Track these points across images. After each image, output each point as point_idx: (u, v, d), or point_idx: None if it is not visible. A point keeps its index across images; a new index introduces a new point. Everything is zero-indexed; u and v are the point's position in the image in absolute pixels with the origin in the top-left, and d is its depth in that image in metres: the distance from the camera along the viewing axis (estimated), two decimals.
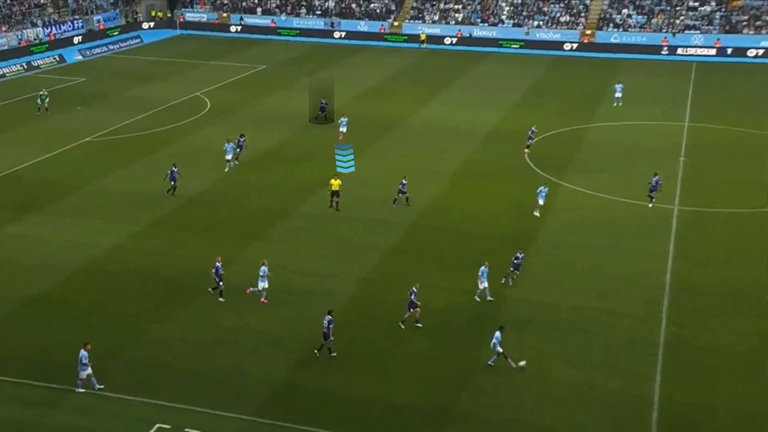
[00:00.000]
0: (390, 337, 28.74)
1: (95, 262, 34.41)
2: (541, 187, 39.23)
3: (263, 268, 30.71)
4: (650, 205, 40.17)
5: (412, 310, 29.22)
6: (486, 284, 31.06)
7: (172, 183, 41.37)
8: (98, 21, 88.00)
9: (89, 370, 25.07)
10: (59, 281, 32.71)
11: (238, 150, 46.33)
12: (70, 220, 38.87)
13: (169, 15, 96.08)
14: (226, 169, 44.81)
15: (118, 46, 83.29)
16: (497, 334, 26.68)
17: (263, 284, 30.70)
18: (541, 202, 38.83)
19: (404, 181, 40.21)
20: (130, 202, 41.01)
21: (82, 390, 25.28)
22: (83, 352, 25.06)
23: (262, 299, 30.84)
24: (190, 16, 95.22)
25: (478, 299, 31.22)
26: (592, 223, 38.49)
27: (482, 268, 31.21)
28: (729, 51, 78.33)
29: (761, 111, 58.79)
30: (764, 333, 29.06)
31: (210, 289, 31.28)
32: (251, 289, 30.86)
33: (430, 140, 51.79)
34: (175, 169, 41.53)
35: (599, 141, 51.79)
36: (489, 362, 26.89)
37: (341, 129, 50.40)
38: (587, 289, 32.17)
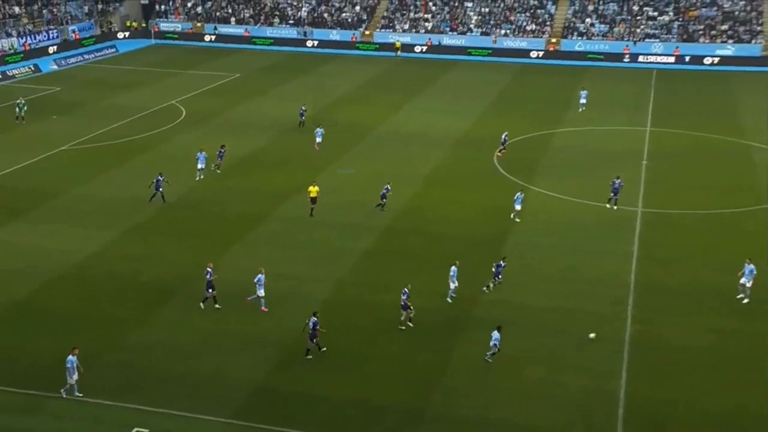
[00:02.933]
0: (366, 339, 28.74)
1: (73, 269, 34.01)
2: (518, 193, 39.43)
3: (260, 276, 30.35)
4: (609, 206, 40.63)
5: (406, 311, 29.32)
6: (456, 284, 31.20)
7: (157, 191, 40.81)
8: (73, 31, 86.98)
9: (76, 376, 24.71)
10: (38, 287, 32.29)
11: (219, 160, 45.87)
12: (48, 227, 38.39)
13: (143, 25, 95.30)
14: (197, 178, 44.18)
15: (93, 55, 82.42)
16: (496, 334, 26.72)
17: (261, 292, 30.35)
18: (518, 207, 38.96)
19: (388, 187, 40.34)
20: (108, 208, 40.60)
21: (65, 396, 24.94)
22: (71, 357, 24.72)
23: (263, 308, 30.47)
24: (165, 26, 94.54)
25: (449, 300, 31.33)
26: (560, 226, 38.81)
27: (453, 268, 31.38)
28: (687, 59, 79.51)
29: (719, 116, 59.70)
30: (724, 330, 29.50)
31: (201, 303, 30.68)
32: (250, 298, 30.53)
33: (402, 146, 51.91)
34: (161, 178, 41.08)
35: (565, 146, 52.26)
36: (486, 358, 27.04)
37: (317, 139, 49.98)
38: (557, 290, 32.42)
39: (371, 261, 35.12)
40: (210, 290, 30.52)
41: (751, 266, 31.38)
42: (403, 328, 29.33)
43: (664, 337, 29.00)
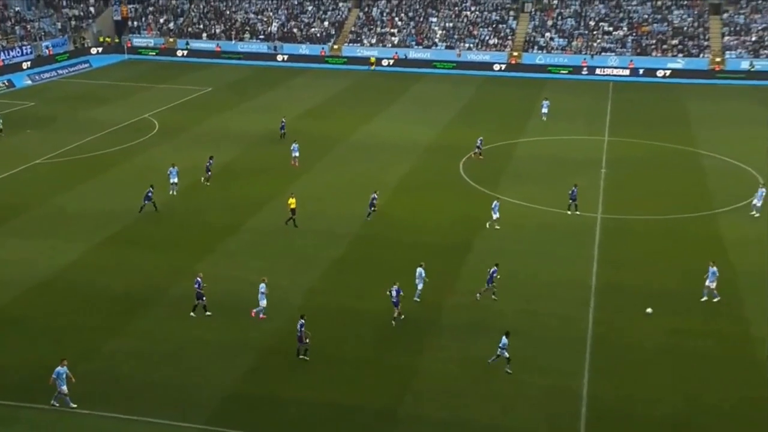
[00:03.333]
0: (336, 343, 28.58)
1: (48, 280, 33.42)
2: (495, 202, 39.55)
3: (262, 285, 30.10)
4: (569, 213, 41.04)
5: (397, 308, 29.75)
6: (422, 286, 31.42)
7: (145, 203, 40.56)
8: (47, 47, 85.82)
9: (65, 388, 24.24)
10: (12, 299, 31.66)
11: (208, 173, 45.51)
12: (22, 239, 37.69)
13: (117, 40, 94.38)
14: (171, 193, 43.29)
15: (67, 70, 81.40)
16: (504, 339, 26.54)
17: (263, 302, 30.05)
18: (495, 215, 39.06)
19: (375, 195, 40.32)
20: (82, 221, 40.00)
21: (56, 404, 24.44)
22: (60, 369, 24.22)
23: (261, 315, 30.20)
24: (138, 41, 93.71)
25: (417, 300, 31.42)
26: (524, 232, 39.03)
27: (419, 269, 31.52)
28: (641, 71, 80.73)
29: (671, 126, 60.60)
30: (681, 330, 29.84)
31: (192, 313, 30.34)
32: (255, 310, 30.22)
33: (371, 156, 51.92)
34: (152, 190, 40.96)
35: (528, 155, 52.65)
36: (489, 361, 26.99)
37: (294, 154, 49.24)
38: (521, 294, 32.56)
39: (342, 268, 34.99)
40: (200, 299, 30.26)
41: (714, 269, 31.84)
42: (394, 323, 29.77)
43: (624, 337, 29.26)
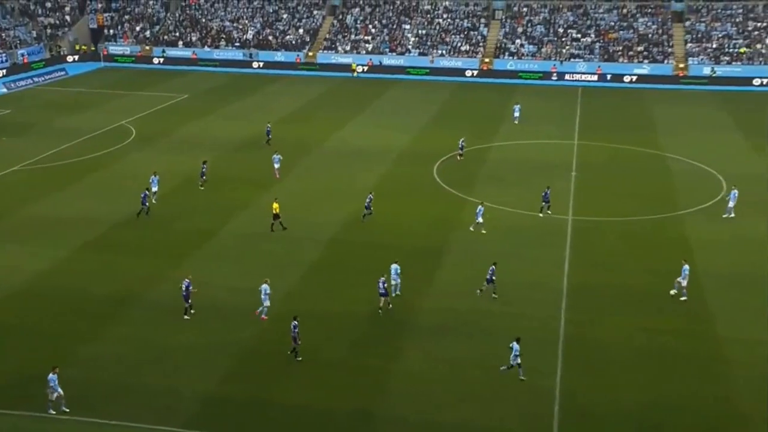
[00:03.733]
0: (313, 346, 28.40)
1: (24, 285, 32.91)
2: (479, 206, 39.54)
3: (264, 286, 30.08)
4: (541, 215, 41.32)
5: (383, 298, 30.49)
6: (399, 281, 31.77)
7: (143, 207, 40.58)
8: (22, 55, 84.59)
9: (59, 392, 23.87)
10: None
11: (203, 178, 45.48)
12: None
13: (93, 48, 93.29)
14: (154, 201, 42.56)
15: (43, 78, 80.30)
16: (516, 345, 26.24)
17: (266, 303, 30.04)
18: (479, 219, 38.98)
19: (370, 196, 40.58)
20: (60, 227, 39.43)
21: (53, 412, 24.05)
22: (51, 375, 23.85)
23: (263, 316, 30.21)
24: (114, 49, 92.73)
25: (399, 293, 31.73)
26: (497, 234, 39.12)
27: (393, 266, 31.81)
28: (608, 77, 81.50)
29: (638, 130, 61.23)
30: (650, 329, 30.08)
31: (186, 317, 30.18)
32: (258, 310, 30.24)
33: (346, 161, 51.80)
34: (147, 194, 41.03)
35: (501, 158, 52.86)
36: (501, 368, 26.62)
37: (275, 165, 47.73)
38: (496, 295, 32.63)
39: (318, 272, 34.84)
40: (186, 301, 30.17)
41: (686, 266, 32.34)
42: (381, 312, 30.61)
43: (595, 337, 29.44)
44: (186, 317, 30.16)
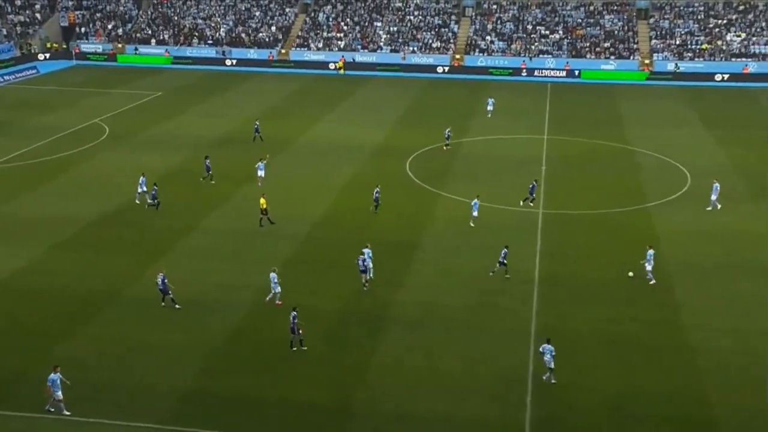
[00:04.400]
0: (288, 342, 28.31)
1: (1, 285, 32.30)
2: (474, 200, 39.58)
3: (273, 274, 30.69)
4: (524, 204, 42.00)
5: (364, 274, 31.91)
6: (371, 265, 32.45)
7: (155, 201, 40.66)
8: None
9: (60, 394, 23.48)
10: None
11: (207, 172, 45.42)
12: None
13: (64, 46, 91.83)
14: (137, 201, 41.94)
15: (14, 76, 78.86)
16: (550, 347, 25.73)
17: (277, 289, 30.68)
18: (474, 214, 39.03)
19: (378, 190, 41.06)
20: (33, 226, 38.82)
21: (52, 409, 23.73)
22: (53, 375, 23.49)
23: (277, 301, 30.74)
24: (86, 47, 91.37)
25: (372, 277, 32.31)
26: (470, 229, 39.28)
27: (366, 250, 32.51)
28: (577, 73, 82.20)
29: (606, 125, 61.85)
30: (618, 318, 30.44)
31: (173, 306, 30.30)
32: (269, 297, 30.86)
33: (320, 157, 51.65)
34: (156, 188, 41.10)
35: (472, 153, 53.07)
36: (545, 378, 25.95)
37: (259, 173, 45.10)
38: (469, 288, 32.77)
39: (294, 267, 34.71)
40: (166, 294, 30.20)
41: (651, 251, 33.17)
42: (366, 289, 31.94)
43: (566, 326, 29.70)
44: (177, 306, 30.27)
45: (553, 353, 25.74)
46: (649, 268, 32.89)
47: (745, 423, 24.18)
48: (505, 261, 33.02)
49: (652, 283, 32.80)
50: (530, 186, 42.48)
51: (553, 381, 25.83)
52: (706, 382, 26.20)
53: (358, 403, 24.89)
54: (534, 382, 26.04)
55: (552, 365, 25.76)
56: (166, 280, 30.30)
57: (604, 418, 24.43)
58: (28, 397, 24.55)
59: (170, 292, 30.34)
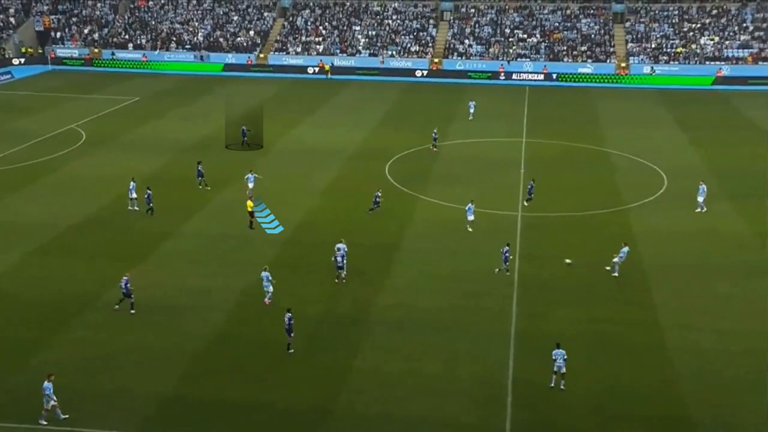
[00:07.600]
0: (269, 345, 28.15)
1: None
2: (469, 205, 39.54)
3: (265, 273, 30.62)
4: (526, 203, 42.85)
5: (341, 270, 32.61)
6: (345, 260, 32.74)
7: (150, 205, 40.18)
8: None
9: (54, 402, 23.07)
10: None
11: (200, 178, 44.87)
12: None
13: (40, 51, 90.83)
14: (129, 207, 41.38)
15: None
16: (562, 352, 25.57)
17: (270, 288, 30.74)
18: (470, 218, 38.96)
19: (378, 193, 41.21)
20: (10, 232, 38.29)
21: (45, 423, 23.24)
22: (47, 384, 23.07)
23: (266, 300, 30.89)
24: (62, 52, 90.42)
25: (336, 281, 32.77)
26: (449, 231, 39.33)
27: (339, 245, 33.02)
28: (554, 76, 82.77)
29: (583, 127, 62.30)
30: (596, 319, 30.62)
31: (129, 310, 30.04)
32: (266, 298, 30.84)
33: (300, 161, 51.49)
34: (150, 192, 40.63)
35: (452, 156, 53.15)
36: (551, 385, 25.74)
37: (249, 185, 43.12)
38: (448, 291, 32.79)
39: (274, 271, 34.43)
40: (128, 297, 29.91)
41: (626, 248, 34.34)
42: (338, 282, 32.76)
43: (545, 328, 29.77)
44: (132, 312, 29.95)
45: (565, 357, 25.51)
46: (616, 260, 33.77)
47: (723, 422, 24.39)
48: (509, 258, 33.92)
49: (614, 275, 33.60)
50: (528, 186, 42.92)
51: (562, 387, 25.55)
52: (684, 381, 26.40)
53: (339, 405, 24.78)
54: (514, 383, 26.06)
55: (564, 370, 25.49)
56: (128, 284, 29.97)
57: (585, 418, 24.52)
58: (4, 404, 24.15)
59: (132, 296, 29.98)
